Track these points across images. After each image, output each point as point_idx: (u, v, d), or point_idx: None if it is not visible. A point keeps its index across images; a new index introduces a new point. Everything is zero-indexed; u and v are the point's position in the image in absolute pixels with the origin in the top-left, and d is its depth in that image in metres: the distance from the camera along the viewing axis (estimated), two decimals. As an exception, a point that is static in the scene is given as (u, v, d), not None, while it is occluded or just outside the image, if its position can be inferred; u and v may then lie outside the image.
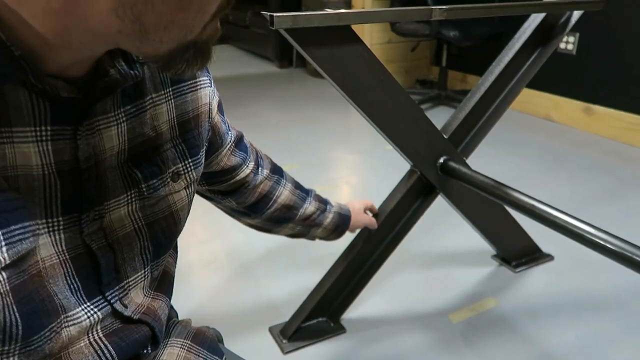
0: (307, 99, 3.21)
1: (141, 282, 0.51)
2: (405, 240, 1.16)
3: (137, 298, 0.51)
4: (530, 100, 2.76)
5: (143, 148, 0.48)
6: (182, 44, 0.37)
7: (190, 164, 0.54)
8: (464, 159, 1.15)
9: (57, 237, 0.41)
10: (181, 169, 0.53)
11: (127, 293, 0.49)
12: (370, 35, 3.23)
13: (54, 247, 0.41)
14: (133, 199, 0.48)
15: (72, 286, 0.43)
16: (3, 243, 0.35)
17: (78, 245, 0.43)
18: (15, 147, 0.37)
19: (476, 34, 2.69)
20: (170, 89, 0.51)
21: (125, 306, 0.49)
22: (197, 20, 0.36)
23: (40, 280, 0.39)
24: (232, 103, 3.14)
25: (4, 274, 0.36)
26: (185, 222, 0.56)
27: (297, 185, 0.87)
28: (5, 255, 0.35)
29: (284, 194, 0.83)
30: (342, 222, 0.95)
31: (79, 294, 0.43)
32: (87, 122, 0.41)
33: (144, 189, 0.49)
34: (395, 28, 2.88)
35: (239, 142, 0.73)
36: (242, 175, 0.74)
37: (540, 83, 2.68)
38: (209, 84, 0.57)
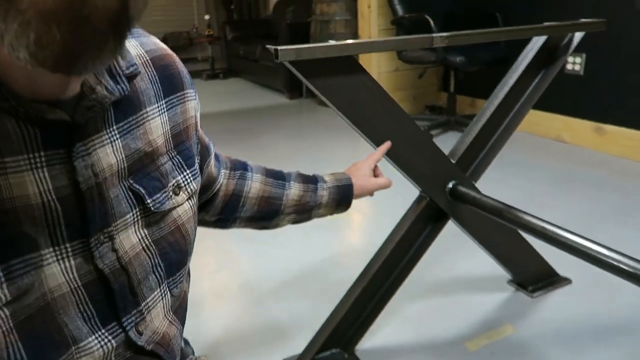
0: (316, 128, 3.24)
1: (160, 301, 0.51)
2: (418, 267, 1.15)
3: (156, 320, 0.50)
4: (540, 122, 2.75)
5: (141, 164, 0.48)
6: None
7: (189, 175, 0.54)
8: (473, 182, 1.14)
9: (67, 264, 0.40)
10: (181, 181, 0.53)
11: (144, 317, 0.48)
12: (378, 64, 3.27)
13: (64, 275, 0.40)
14: (138, 217, 0.47)
15: (85, 314, 0.42)
16: (3, 279, 0.35)
17: (90, 270, 0.42)
18: (10, 178, 0.36)
19: (482, 59, 2.71)
20: (164, 101, 0.51)
21: (140, 333, 0.47)
22: None
23: (48, 312, 0.38)
24: (243, 135, 3.19)
25: (6, 310, 0.35)
26: (194, 236, 0.56)
27: (270, 174, 0.80)
28: (6, 291, 0.35)
29: (254, 187, 0.77)
30: (344, 195, 0.85)
31: (92, 322, 0.42)
32: (80, 143, 0.40)
33: (150, 205, 0.48)
34: (402, 56, 2.92)
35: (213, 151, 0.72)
36: (217, 184, 0.72)
37: (550, 104, 2.67)
38: (195, 97, 0.57)
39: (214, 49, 6.05)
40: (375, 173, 0.94)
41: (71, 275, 0.40)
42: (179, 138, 0.53)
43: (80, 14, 0.30)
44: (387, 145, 0.95)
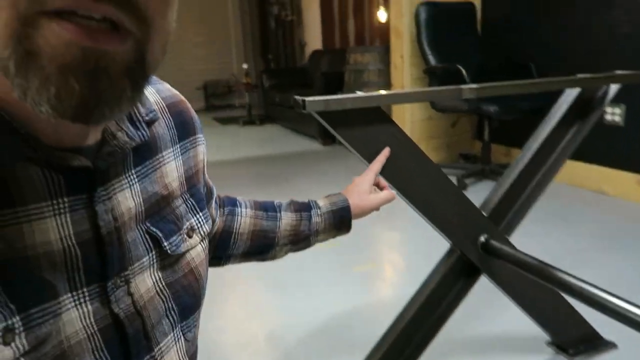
0: (348, 174, 3.23)
1: (174, 346, 0.50)
2: (449, 325, 1.09)
3: None
4: (580, 173, 2.66)
5: (158, 207, 0.48)
6: (16, 50, 0.30)
7: (202, 217, 0.55)
8: (507, 237, 1.10)
9: (85, 309, 0.40)
10: (194, 223, 0.53)
11: None
12: (411, 112, 3.29)
13: (81, 321, 0.39)
14: (154, 260, 0.47)
15: None
16: (22, 329, 0.34)
17: (106, 315, 0.42)
18: (33, 225, 0.36)
19: (517, 108, 2.68)
20: (178, 145, 0.53)
21: None
22: None
23: None
24: (276, 180, 3.22)
25: None
26: (206, 280, 0.56)
27: (261, 207, 0.76)
28: (24, 341, 0.34)
29: (245, 222, 0.74)
30: (341, 219, 0.79)
31: None
32: (101, 188, 0.41)
33: (167, 248, 0.48)
34: (435, 105, 2.92)
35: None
36: (215, 225, 0.70)
37: (590, 155, 2.59)
38: (203, 142, 0.59)
39: (251, 97, 6.26)
40: (379, 186, 0.88)
41: (88, 321, 0.40)
42: (191, 181, 0.54)
43: (98, 67, 0.31)
44: (385, 153, 0.88)
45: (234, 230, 0.73)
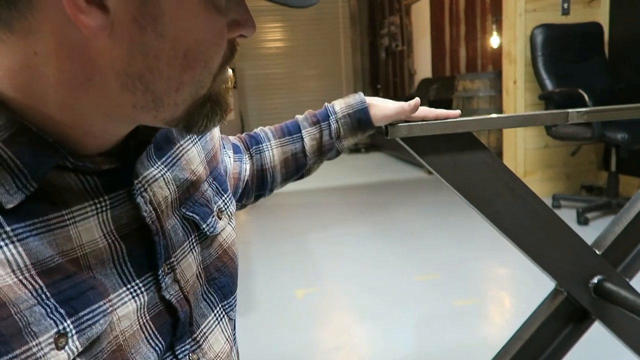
0: (453, 206, 3.10)
1: (217, 326, 0.51)
2: (553, 376, 0.97)
3: (216, 346, 0.50)
4: None
5: (189, 193, 0.50)
6: (196, 100, 0.39)
7: (227, 199, 0.56)
8: (627, 279, 0.96)
9: (142, 300, 0.41)
10: (221, 205, 0.55)
11: (200, 345, 0.48)
12: (524, 140, 3.08)
13: (138, 311, 0.41)
14: (194, 244, 0.49)
15: (157, 348, 0.42)
16: (74, 332, 0.35)
17: (157, 302, 0.43)
18: (79, 226, 0.38)
19: (651, 135, 2.37)
20: None
21: None
22: (205, 75, 0.38)
23: (121, 354, 0.39)
24: (376, 208, 3.19)
25: None
26: (238, 258, 0.57)
27: (282, 132, 0.76)
28: (77, 343, 0.35)
29: (273, 154, 0.74)
30: (360, 120, 0.77)
31: (161, 356, 0.43)
32: (137, 181, 0.42)
33: (205, 229, 0.50)
34: (552, 132, 2.70)
35: (228, 143, 0.71)
36: (244, 172, 0.71)
37: None
38: None
39: (358, 125, 6.32)
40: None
41: (143, 311, 0.41)
42: (212, 164, 0.56)
43: None
44: (415, 102, 0.78)
45: (267, 167, 0.74)
